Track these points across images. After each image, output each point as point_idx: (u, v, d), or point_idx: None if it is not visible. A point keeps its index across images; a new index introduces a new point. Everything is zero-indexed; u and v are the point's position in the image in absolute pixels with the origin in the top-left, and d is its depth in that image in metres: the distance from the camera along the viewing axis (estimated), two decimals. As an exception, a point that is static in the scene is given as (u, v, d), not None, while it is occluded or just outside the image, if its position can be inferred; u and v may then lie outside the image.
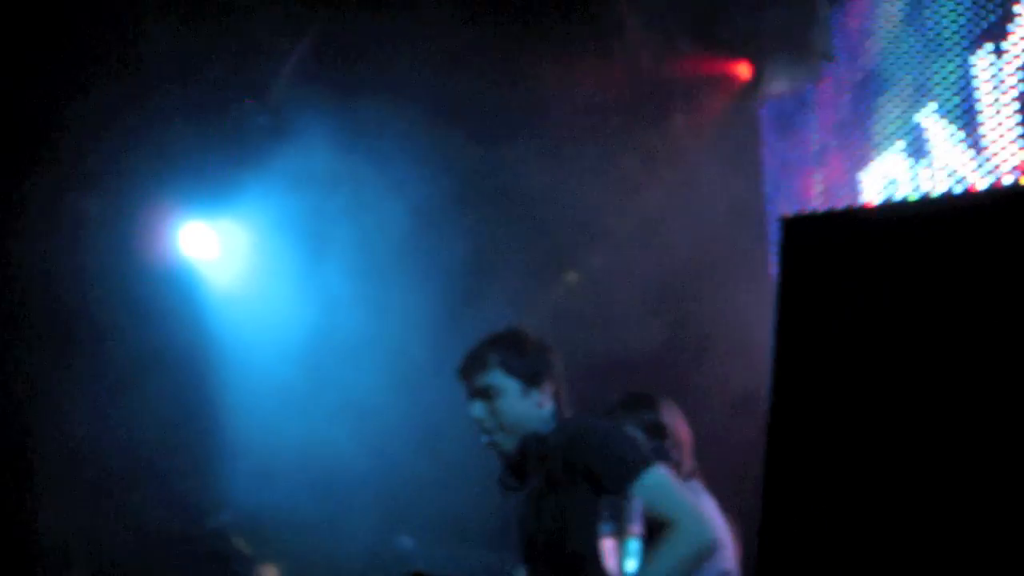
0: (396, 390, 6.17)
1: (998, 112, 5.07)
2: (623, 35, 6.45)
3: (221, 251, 7.01)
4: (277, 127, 6.57)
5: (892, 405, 1.60)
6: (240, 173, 6.61)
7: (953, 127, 5.33)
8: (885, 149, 5.79)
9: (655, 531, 3.55)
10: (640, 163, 6.35)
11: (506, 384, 4.00)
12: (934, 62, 5.49)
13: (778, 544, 1.61)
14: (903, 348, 1.62)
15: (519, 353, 4.06)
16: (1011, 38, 5.03)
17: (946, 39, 5.43)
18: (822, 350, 1.68)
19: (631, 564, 2.23)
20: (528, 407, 3.98)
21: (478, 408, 4.01)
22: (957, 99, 5.33)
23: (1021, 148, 4.93)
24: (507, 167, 6.38)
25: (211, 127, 6.56)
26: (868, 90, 5.98)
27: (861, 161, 5.95)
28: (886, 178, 5.76)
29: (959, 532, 1.52)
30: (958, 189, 5.19)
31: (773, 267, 6.19)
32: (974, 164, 5.17)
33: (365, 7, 6.39)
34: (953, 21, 5.40)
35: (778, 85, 6.47)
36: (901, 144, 5.68)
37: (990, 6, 5.21)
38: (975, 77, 5.22)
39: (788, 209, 6.26)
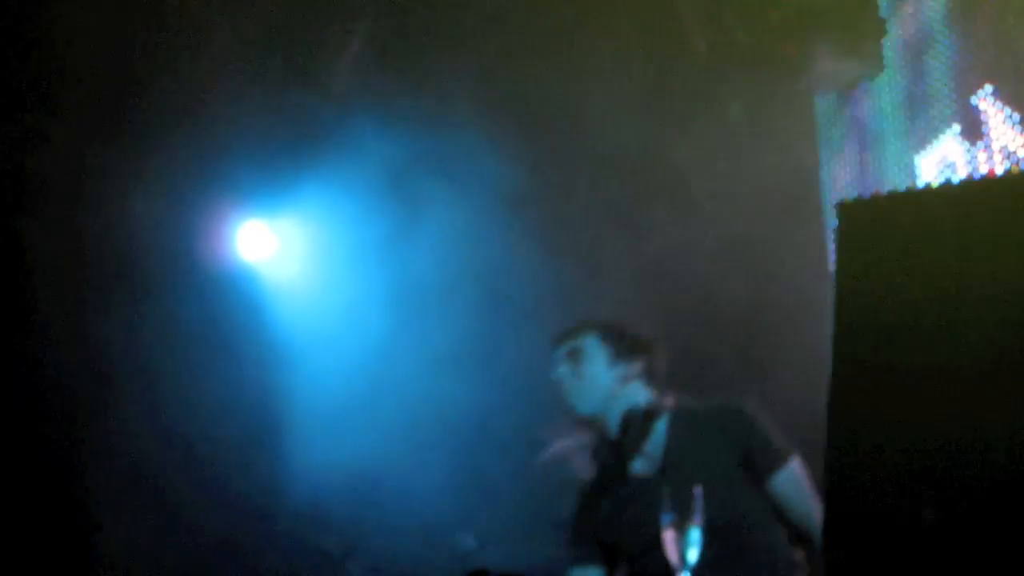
0: (455, 390, 6.18)
1: (1055, 92, 5.02)
2: (677, 22, 6.43)
3: (281, 250, 7.02)
4: (338, 122, 6.57)
5: (949, 384, 1.60)
6: (301, 170, 6.62)
7: (1009, 108, 5.29)
8: (941, 132, 5.75)
9: (783, 522, 3.65)
10: (695, 151, 6.33)
11: (596, 350, 4.06)
12: (990, 43, 5.45)
13: (841, 506, 1.62)
14: (960, 325, 1.62)
15: (618, 332, 4.13)
16: (1067, 17, 4.99)
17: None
18: (880, 331, 1.68)
19: (693, 553, 2.25)
20: (612, 379, 4.02)
21: (563, 370, 4.06)
22: (1013, 80, 5.29)
23: (1079, 128, 4.89)
24: (565, 159, 6.37)
25: (271, 124, 6.56)
26: (923, 72, 5.94)
27: (918, 145, 5.91)
28: (943, 161, 5.72)
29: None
30: (1015, 170, 5.15)
31: (830, 254, 6.16)
32: (1031, 145, 5.13)
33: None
34: (1008, 1, 5.35)
35: (834, 76, 6.43)
36: (957, 127, 5.64)
37: (1044, -14, 5.16)
38: (1031, 57, 5.18)
39: (844, 195, 6.22)
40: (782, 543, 3.80)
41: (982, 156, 5.46)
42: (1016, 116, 5.24)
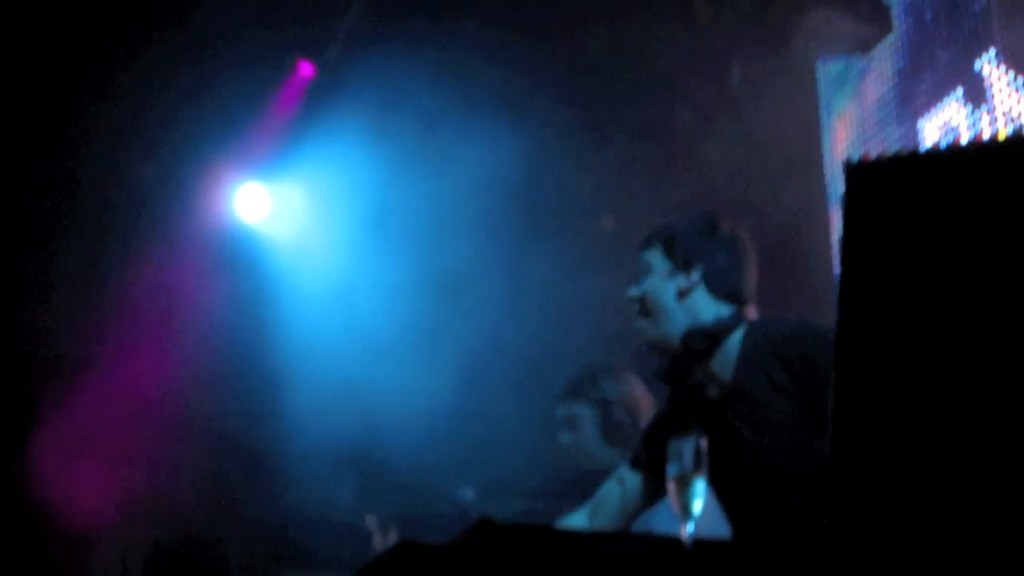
0: (454, 343, 6.20)
1: (1059, 56, 5.00)
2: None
3: (276, 213, 7.02)
4: (333, 87, 6.57)
5: (956, 348, 1.58)
6: (295, 134, 6.62)
7: (1012, 73, 5.26)
8: (944, 96, 5.72)
9: None
10: (697, 117, 6.32)
11: (658, 264, 3.78)
12: (993, 7, 5.42)
13: (848, 465, 1.60)
14: (968, 289, 1.60)
15: (689, 233, 3.80)
16: (1072, -20, 4.96)
17: (1005, -17, 5.36)
18: (887, 292, 1.66)
19: (698, 504, 2.24)
20: (670, 292, 3.74)
21: (633, 287, 3.80)
22: (1017, 44, 5.26)
23: (1083, 92, 4.86)
24: (565, 124, 6.36)
25: (266, 88, 6.56)
26: (926, 36, 5.91)
27: (920, 109, 5.89)
28: (946, 126, 5.70)
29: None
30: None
31: (833, 221, 6.15)
32: (1035, 109, 5.11)
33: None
34: (1011, -37, 5.32)
35: (837, 40, 6.40)
36: (960, 91, 5.61)
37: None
38: (1035, 21, 5.15)
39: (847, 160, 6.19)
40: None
41: (985, 120, 5.44)
42: (1020, 80, 5.21)
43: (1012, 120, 5.25)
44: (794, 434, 3.45)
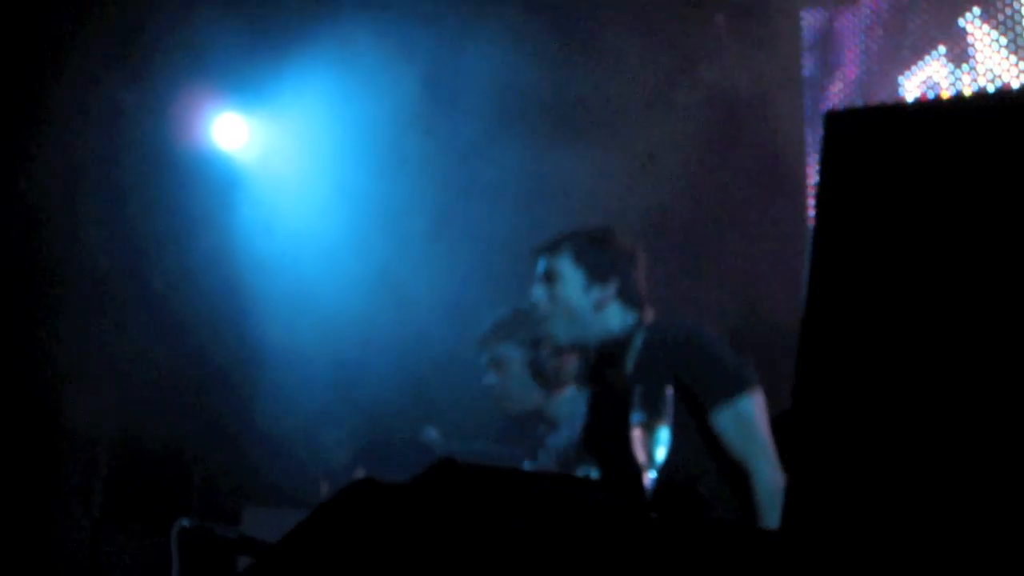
0: (429, 281, 6.19)
1: (1044, 17, 4.98)
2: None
3: (255, 143, 6.99)
4: (317, 15, 6.50)
5: (931, 303, 1.56)
6: (277, 63, 6.56)
7: (996, 31, 5.25)
8: (927, 53, 5.71)
9: (725, 463, 3.50)
10: (678, 64, 6.29)
11: (570, 273, 3.94)
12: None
13: (813, 427, 1.59)
14: (945, 243, 1.58)
15: (597, 247, 3.98)
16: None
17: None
18: (862, 245, 1.64)
19: (661, 452, 2.23)
20: (586, 303, 3.91)
21: (539, 291, 3.96)
22: (1000, 3, 5.24)
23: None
24: (548, 65, 6.32)
25: (248, 14, 6.50)
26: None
27: (902, 65, 5.88)
28: (927, 82, 5.69)
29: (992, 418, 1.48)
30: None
31: (811, 175, 6.15)
32: (1016, 69, 5.10)
33: None
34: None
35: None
36: (943, 48, 5.60)
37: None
38: (1021, -20, 5.13)
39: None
40: (715, 484, 3.65)
41: (967, 79, 5.43)
42: (1002, 39, 5.20)
43: (994, 79, 5.24)
44: (677, 416, 3.59)
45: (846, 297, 1.63)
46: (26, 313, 6.46)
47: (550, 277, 3.96)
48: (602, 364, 3.94)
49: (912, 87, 5.78)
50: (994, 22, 5.27)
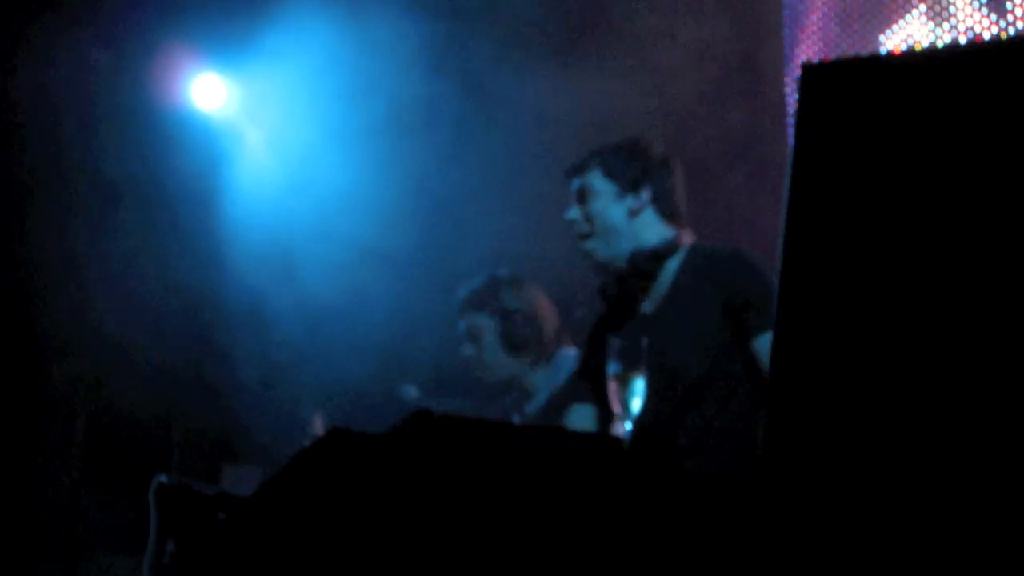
0: (405, 240, 6.18)
1: (1024, -25, 4.97)
2: None
3: (233, 103, 6.95)
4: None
5: (909, 257, 1.55)
6: (256, 23, 6.52)
7: (977, -10, 5.24)
8: (907, 11, 5.69)
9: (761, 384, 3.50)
10: (655, 18, 6.26)
11: (602, 186, 3.85)
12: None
13: (788, 399, 1.58)
14: (923, 196, 1.57)
15: (626, 157, 3.89)
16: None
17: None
18: (839, 198, 1.62)
19: (637, 402, 2.24)
20: (621, 212, 3.82)
21: (574, 211, 3.88)
22: (982, -39, 5.23)
23: (1046, 12, 4.84)
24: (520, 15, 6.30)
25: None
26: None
27: (882, 23, 5.86)
28: (907, 41, 5.67)
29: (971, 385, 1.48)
30: None
31: (789, 130, 6.13)
32: (996, 27, 5.09)
33: None
34: None
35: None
36: (923, 7, 5.58)
37: None
38: (1002, -62, 5.11)
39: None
40: (747, 405, 3.60)
41: (947, 38, 5.42)
42: (983, -2, 5.19)
43: (973, 37, 5.23)
44: (717, 354, 3.57)
45: (822, 253, 1.62)
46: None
47: (583, 195, 3.89)
48: (635, 279, 3.82)
49: (892, 45, 5.76)
50: (974, -19, 5.26)
